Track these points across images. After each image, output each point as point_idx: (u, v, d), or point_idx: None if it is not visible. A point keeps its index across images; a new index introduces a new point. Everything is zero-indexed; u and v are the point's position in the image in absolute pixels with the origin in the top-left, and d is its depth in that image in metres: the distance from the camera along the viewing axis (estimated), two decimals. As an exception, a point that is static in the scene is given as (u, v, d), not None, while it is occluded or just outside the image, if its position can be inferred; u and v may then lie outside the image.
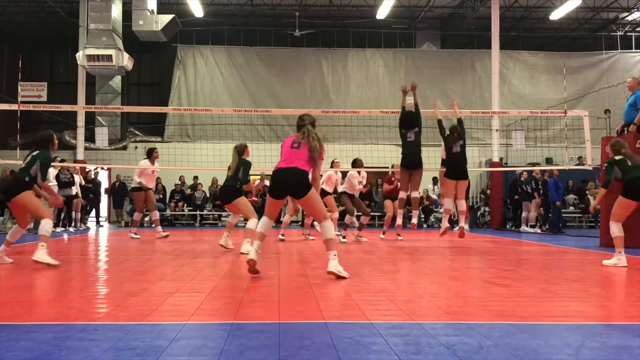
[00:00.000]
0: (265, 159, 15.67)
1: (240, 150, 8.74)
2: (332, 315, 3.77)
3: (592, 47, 23.76)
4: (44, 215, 6.55)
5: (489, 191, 19.59)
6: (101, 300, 4.42)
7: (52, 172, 12.93)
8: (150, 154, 11.75)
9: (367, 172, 12.13)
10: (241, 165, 8.63)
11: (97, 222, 17.80)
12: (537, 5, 20.70)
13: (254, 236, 5.82)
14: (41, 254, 6.31)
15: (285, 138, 5.91)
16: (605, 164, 7.50)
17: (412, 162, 9.38)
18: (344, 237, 10.83)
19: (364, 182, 11.49)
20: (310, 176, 5.70)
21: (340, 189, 11.44)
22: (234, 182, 8.59)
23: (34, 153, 6.66)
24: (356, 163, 11.29)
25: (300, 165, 5.51)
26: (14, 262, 6.67)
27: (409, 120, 9.55)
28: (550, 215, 15.16)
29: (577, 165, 16.50)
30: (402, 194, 9.58)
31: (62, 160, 14.61)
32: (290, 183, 5.49)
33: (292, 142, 5.68)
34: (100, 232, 15.17)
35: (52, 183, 12.40)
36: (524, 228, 16.02)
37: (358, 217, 12.60)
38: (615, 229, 7.12)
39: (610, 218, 7.27)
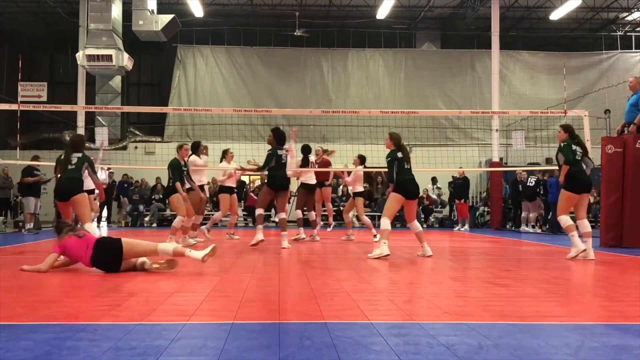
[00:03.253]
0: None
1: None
2: (332, 315, 3.76)
3: (592, 47, 23.77)
4: (87, 220, 7.34)
5: (484, 194, 19.63)
6: (101, 300, 4.42)
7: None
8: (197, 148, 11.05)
9: (366, 172, 12.11)
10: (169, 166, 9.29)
11: (99, 222, 17.67)
12: (537, 5, 20.71)
13: (179, 235, 6.47)
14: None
15: None
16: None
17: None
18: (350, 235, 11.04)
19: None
20: None
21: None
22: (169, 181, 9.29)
23: (79, 155, 7.45)
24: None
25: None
26: (16, 262, 6.67)
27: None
28: (550, 215, 15.15)
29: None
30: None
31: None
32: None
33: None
34: (101, 232, 15.16)
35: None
36: (524, 228, 16.02)
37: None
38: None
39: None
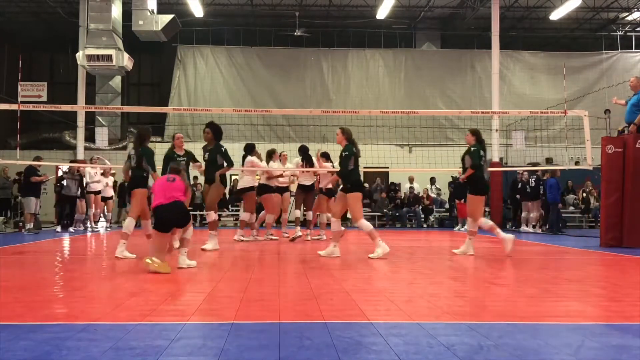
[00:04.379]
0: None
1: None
2: (332, 315, 3.76)
3: (592, 47, 23.76)
4: (133, 216, 7.73)
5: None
6: (101, 300, 4.42)
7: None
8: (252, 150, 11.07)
9: (366, 172, 12.11)
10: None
11: (96, 222, 17.53)
12: (537, 5, 20.70)
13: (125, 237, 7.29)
14: (121, 250, 7.46)
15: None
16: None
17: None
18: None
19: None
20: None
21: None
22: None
23: (140, 149, 7.60)
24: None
25: (179, 197, 6.24)
26: (16, 262, 6.67)
27: None
28: (549, 215, 15.14)
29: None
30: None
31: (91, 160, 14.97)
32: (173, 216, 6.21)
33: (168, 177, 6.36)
34: (103, 232, 15.16)
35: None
36: (524, 228, 16.01)
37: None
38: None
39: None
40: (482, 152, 8.27)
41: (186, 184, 6.60)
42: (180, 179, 6.30)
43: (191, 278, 5.62)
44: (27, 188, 13.47)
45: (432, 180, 19.68)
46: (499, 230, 8.09)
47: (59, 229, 13.81)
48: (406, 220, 18.65)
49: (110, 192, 15.72)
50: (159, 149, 21.29)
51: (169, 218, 6.12)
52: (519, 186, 16.25)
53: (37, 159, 13.37)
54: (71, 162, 17.18)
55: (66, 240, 11.50)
